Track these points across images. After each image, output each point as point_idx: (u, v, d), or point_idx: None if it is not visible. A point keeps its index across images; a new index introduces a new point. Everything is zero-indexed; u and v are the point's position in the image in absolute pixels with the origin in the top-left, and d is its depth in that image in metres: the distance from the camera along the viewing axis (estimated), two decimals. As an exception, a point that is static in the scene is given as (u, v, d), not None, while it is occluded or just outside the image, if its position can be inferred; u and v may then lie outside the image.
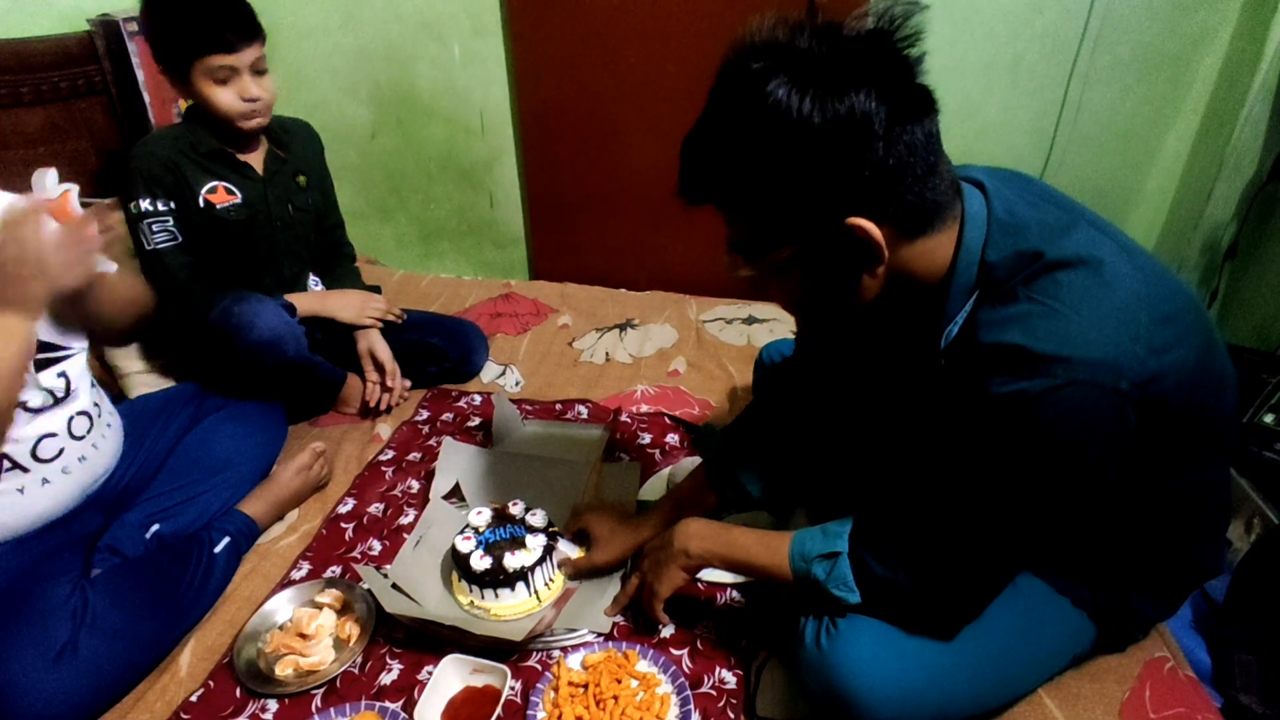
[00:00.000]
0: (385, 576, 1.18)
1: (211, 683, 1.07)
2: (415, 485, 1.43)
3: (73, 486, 1.14)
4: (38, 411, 1.08)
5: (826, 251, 0.74)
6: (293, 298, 1.54)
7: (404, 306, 1.75)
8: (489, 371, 1.78)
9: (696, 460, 1.37)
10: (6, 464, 1.05)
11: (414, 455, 1.51)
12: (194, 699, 1.04)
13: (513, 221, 2.41)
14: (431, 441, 1.54)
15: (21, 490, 1.07)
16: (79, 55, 1.83)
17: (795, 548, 0.91)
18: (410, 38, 2.16)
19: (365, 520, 1.35)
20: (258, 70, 1.41)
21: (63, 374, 1.12)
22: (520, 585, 1.13)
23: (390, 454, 1.51)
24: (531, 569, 1.13)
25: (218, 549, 1.21)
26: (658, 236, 2.26)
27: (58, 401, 1.11)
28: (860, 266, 0.75)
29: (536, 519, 1.21)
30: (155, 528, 1.19)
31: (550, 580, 1.17)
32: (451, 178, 2.39)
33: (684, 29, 1.94)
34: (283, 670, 1.08)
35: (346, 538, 1.32)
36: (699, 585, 1.18)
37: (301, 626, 1.13)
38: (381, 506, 1.38)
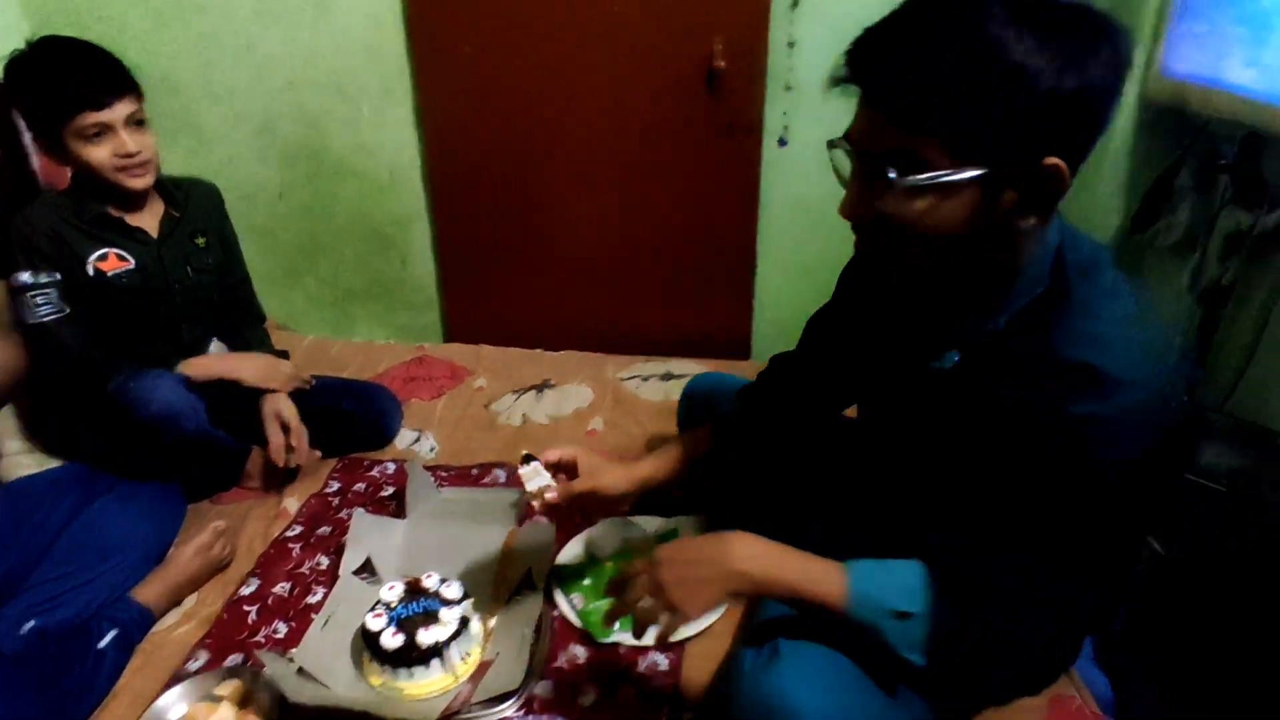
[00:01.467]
0: (291, 661, 1.12)
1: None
2: (325, 561, 1.37)
3: None
4: None
5: (1009, 182, 0.70)
6: (193, 361, 1.47)
7: (314, 373, 1.70)
8: (403, 438, 1.75)
9: (614, 525, 1.37)
10: None
11: (323, 529, 1.45)
12: None
13: (426, 283, 2.39)
14: (342, 514, 1.48)
15: None
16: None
17: (857, 589, 0.83)
18: (319, 98, 2.15)
19: (270, 601, 1.29)
20: (135, 123, 1.36)
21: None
22: (435, 662, 1.10)
23: (298, 529, 1.45)
24: (446, 644, 1.10)
25: (103, 643, 1.13)
26: (573, 295, 2.28)
27: None
28: (1024, 208, 0.71)
29: (451, 590, 1.18)
30: (32, 623, 1.11)
31: (467, 655, 1.14)
32: (362, 238, 2.36)
33: (595, 89, 1.99)
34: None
35: (249, 621, 1.25)
36: (626, 648, 1.17)
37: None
38: (288, 585, 1.32)
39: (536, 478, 1.13)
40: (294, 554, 1.39)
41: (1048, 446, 0.74)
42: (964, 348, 0.84)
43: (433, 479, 1.51)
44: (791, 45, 1.97)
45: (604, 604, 1.22)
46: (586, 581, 1.28)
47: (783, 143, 2.07)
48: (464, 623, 1.14)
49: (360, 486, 1.58)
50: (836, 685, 0.85)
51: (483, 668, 1.14)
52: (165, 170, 1.50)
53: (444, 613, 1.14)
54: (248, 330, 1.67)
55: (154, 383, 1.35)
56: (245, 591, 1.31)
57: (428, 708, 1.05)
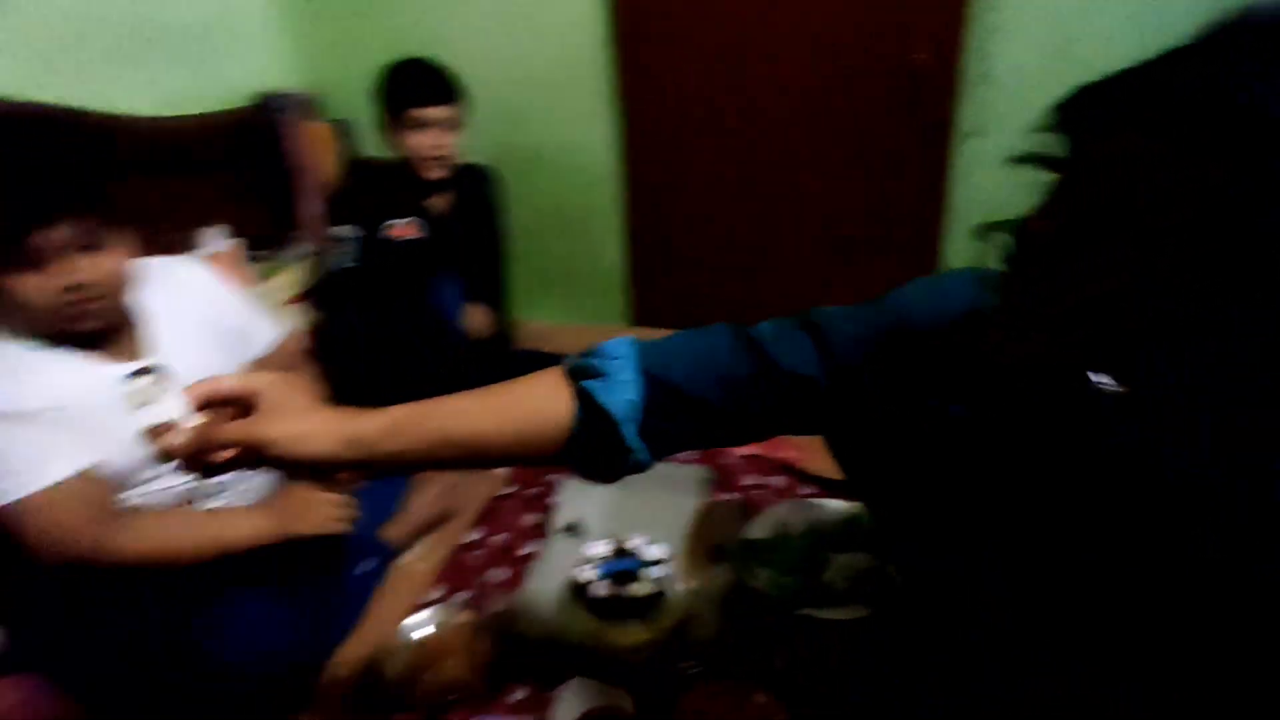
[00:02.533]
0: (513, 603, 1.28)
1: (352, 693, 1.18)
2: (535, 518, 1.53)
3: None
4: None
5: None
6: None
7: (514, 348, 1.97)
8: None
9: (808, 501, 1.42)
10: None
11: (531, 490, 1.62)
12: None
13: (613, 270, 2.54)
14: (547, 477, 1.64)
15: None
16: (240, 127, 2.09)
17: None
18: (522, 95, 2.33)
19: (491, 549, 1.46)
20: (451, 126, 1.70)
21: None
22: (638, 616, 1.21)
23: (512, 489, 1.63)
24: (649, 599, 1.20)
25: (362, 570, 1.34)
26: (760, 287, 2.34)
27: None
28: None
29: (654, 552, 1.29)
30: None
31: (666, 611, 1.24)
32: (555, 226, 2.55)
33: (793, 87, 2.04)
34: (424, 683, 1.18)
35: (474, 565, 1.43)
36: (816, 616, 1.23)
37: (441, 643, 1.23)
38: (505, 537, 1.49)
39: (152, 406, 0.73)
40: (508, 510, 1.56)
41: None
42: None
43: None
44: (990, 37, 1.92)
45: (790, 580, 1.29)
46: (776, 556, 1.35)
47: (978, 136, 2.02)
48: (664, 582, 1.24)
49: (561, 455, 1.74)
50: None
51: (679, 625, 1.24)
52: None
53: (647, 571, 1.25)
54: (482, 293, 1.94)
55: None
56: (468, 539, 1.49)
57: (636, 649, 1.17)
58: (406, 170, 1.74)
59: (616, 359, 0.73)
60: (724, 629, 1.23)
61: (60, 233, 1.03)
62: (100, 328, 1.10)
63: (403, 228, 1.76)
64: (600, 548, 1.31)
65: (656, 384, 0.73)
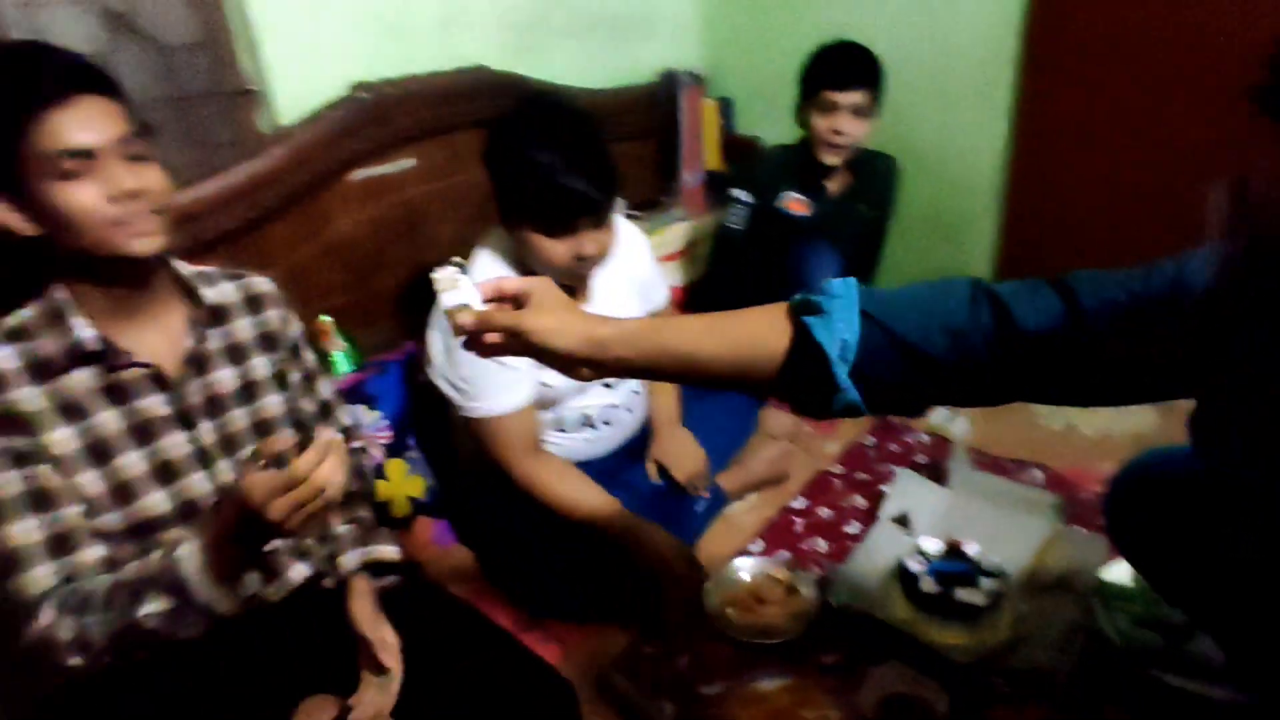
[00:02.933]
0: (837, 574, 1.31)
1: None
2: (861, 501, 1.55)
3: (615, 438, 1.49)
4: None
5: None
6: None
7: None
8: (937, 413, 1.83)
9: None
10: (587, 426, 1.44)
11: (861, 474, 1.63)
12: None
13: (981, 275, 2.40)
14: (877, 466, 1.64)
15: (588, 441, 1.45)
16: (645, 102, 2.33)
17: None
18: (912, 98, 2.28)
19: (814, 520, 1.51)
20: (859, 113, 1.70)
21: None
22: (966, 620, 1.17)
23: (840, 469, 1.66)
24: (981, 607, 1.16)
25: (700, 507, 1.47)
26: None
27: (611, 386, 1.44)
28: None
29: (990, 562, 1.23)
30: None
31: (995, 624, 1.19)
32: (926, 229, 2.46)
33: (1200, 119, 1.75)
34: (740, 620, 1.27)
35: (796, 530, 1.49)
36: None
37: (760, 591, 1.31)
38: (830, 512, 1.52)
39: (454, 291, 0.78)
40: (836, 488, 1.60)
41: None
42: None
43: (969, 459, 1.57)
44: None
45: (1148, 635, 1.16)
46: (1136, 606, 1.21)
47: None
48: (998, 596, 1.19)
49: (894, 447, 1.72)
50: None
51: (1006, 644, 1.18)
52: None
53: (982, 580, 1.20)
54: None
55: None
56: (795, 505, 1.55)
57: (959, 650, 1.14)
58: (809, 149, 1.80)
59: (838, 298, 0.71)
60: (1058, 663, 1.14)
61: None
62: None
63: (795, 202, 1.83)
64: (933, 544, 1.29)
65: (875, 326, 0.71)
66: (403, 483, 1.43)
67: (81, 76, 0.82)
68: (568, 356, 0.74)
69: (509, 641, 1.01)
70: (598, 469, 1.40)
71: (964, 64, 2.14)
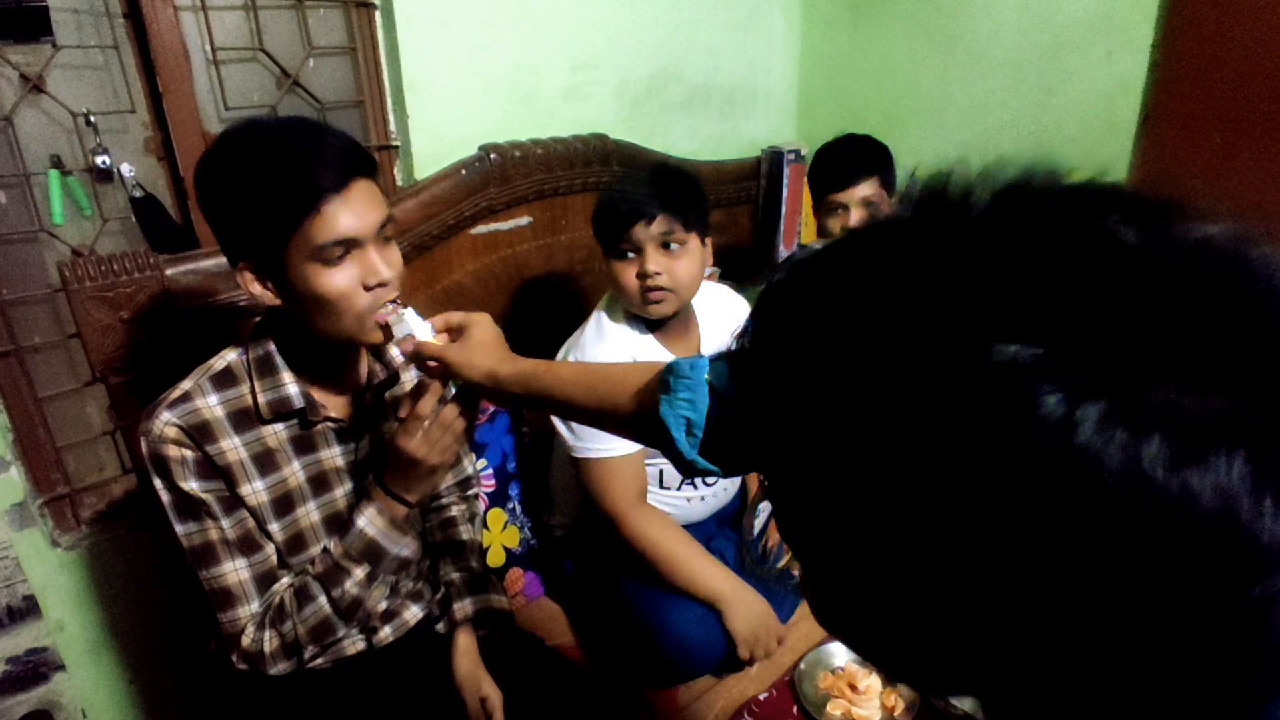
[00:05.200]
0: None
1: (774, 691, 1.27)
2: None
3: (711, 504, 1.48)
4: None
5: None
6: None
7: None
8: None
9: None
10: (688, 484, 1.43)
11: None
12: (761, 697, 1.25)
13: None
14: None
15: (689, 500, 1.45)
16: (747, 174, 2.39)
17: None
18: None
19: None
20: (872, 204, 1.64)
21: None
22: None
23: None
24: None
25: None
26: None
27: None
28: None
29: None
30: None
31: None
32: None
33: None
34: (832, 710, 1.22)
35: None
36: None
37: (854, 678, 1.27)
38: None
39: (401, 324, 0.86)
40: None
41: None
42: None
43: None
44: None
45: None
46: None
47: None
48: None
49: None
50: None
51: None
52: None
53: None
54: None
55: None
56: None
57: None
58: None
59: (684, 378, 0.72)
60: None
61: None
62: (668, 315, 1.27)
63: None
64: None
65: (719, 399, 0.71)
66: (501, 533, 1.45)
67: (354, 163, 0.83)
68: (476, 387, 0.85)
69: (609, 696, 1.01)
70: (692, 533, 1.39)
71: (1078, 139, 2.04)
